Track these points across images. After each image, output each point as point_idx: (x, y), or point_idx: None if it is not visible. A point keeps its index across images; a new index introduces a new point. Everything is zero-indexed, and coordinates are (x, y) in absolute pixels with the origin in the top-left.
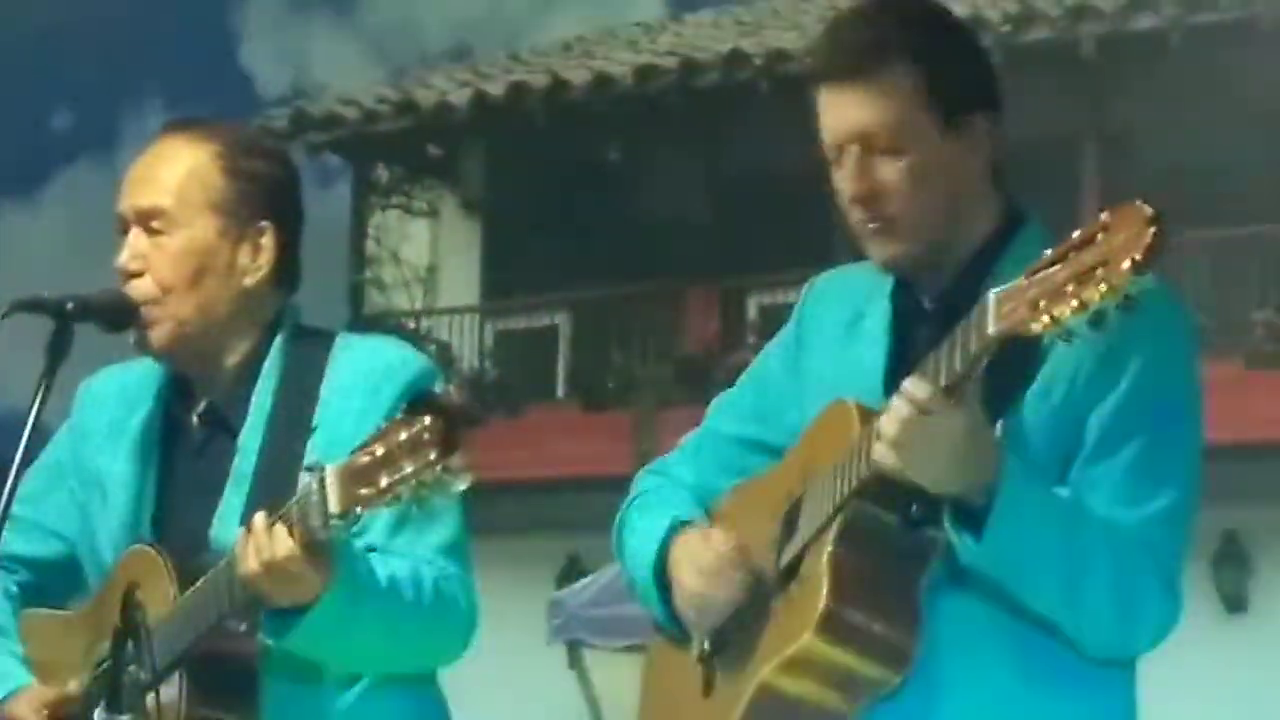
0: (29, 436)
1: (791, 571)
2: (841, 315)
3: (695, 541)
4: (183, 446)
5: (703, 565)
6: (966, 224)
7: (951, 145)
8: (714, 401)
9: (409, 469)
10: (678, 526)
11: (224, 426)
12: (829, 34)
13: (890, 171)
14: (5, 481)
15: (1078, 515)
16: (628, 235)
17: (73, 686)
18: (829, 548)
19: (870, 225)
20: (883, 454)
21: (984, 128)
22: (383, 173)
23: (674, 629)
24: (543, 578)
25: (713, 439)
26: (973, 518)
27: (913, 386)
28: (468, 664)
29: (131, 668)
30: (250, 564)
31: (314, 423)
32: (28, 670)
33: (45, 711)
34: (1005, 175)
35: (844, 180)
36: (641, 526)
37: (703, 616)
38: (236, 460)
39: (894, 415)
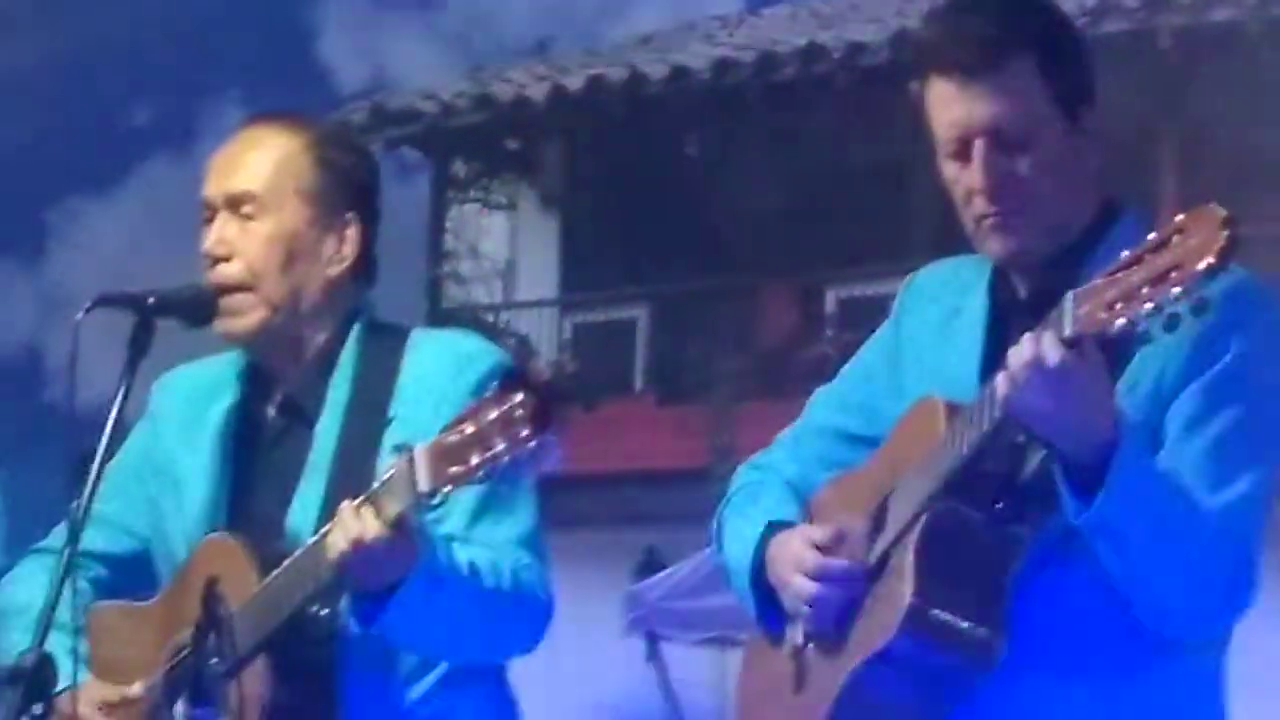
0: (111, 432)
1: (880, 567)
2: (940, 308)
3: (794, 541)
4: (259, 438)
5: (805, 565)
6: (1072, 215)
7: (1072, 138)
8: (815, 394)
9: (500, 446)
10: (773, 528)
11: (301, 417)
12: (947, 25)
13: (1018, 165)
14: (89, 477)
15: (1175, 491)
16: (705, 228)
17: (136, 688)
18: (914, 545)
19: (990, 219)
20: (1005, 390)
21: (1095, 120)
22: (461, 167)
23: (770, 628)
24: (620, 570)
25: (812, 431)
26: (1080, 482)
27: (1034, 339)
28: (545, 656)
29: (214, 660)
30: (339, 545)
31: (391, 413)
32: (85, 667)
33: (101, 709)
34: (1103, 166)
35: (966, 173)
36: (738, 528)
37: (814, 613)
38: (313, 450)
39: (1021, 351)
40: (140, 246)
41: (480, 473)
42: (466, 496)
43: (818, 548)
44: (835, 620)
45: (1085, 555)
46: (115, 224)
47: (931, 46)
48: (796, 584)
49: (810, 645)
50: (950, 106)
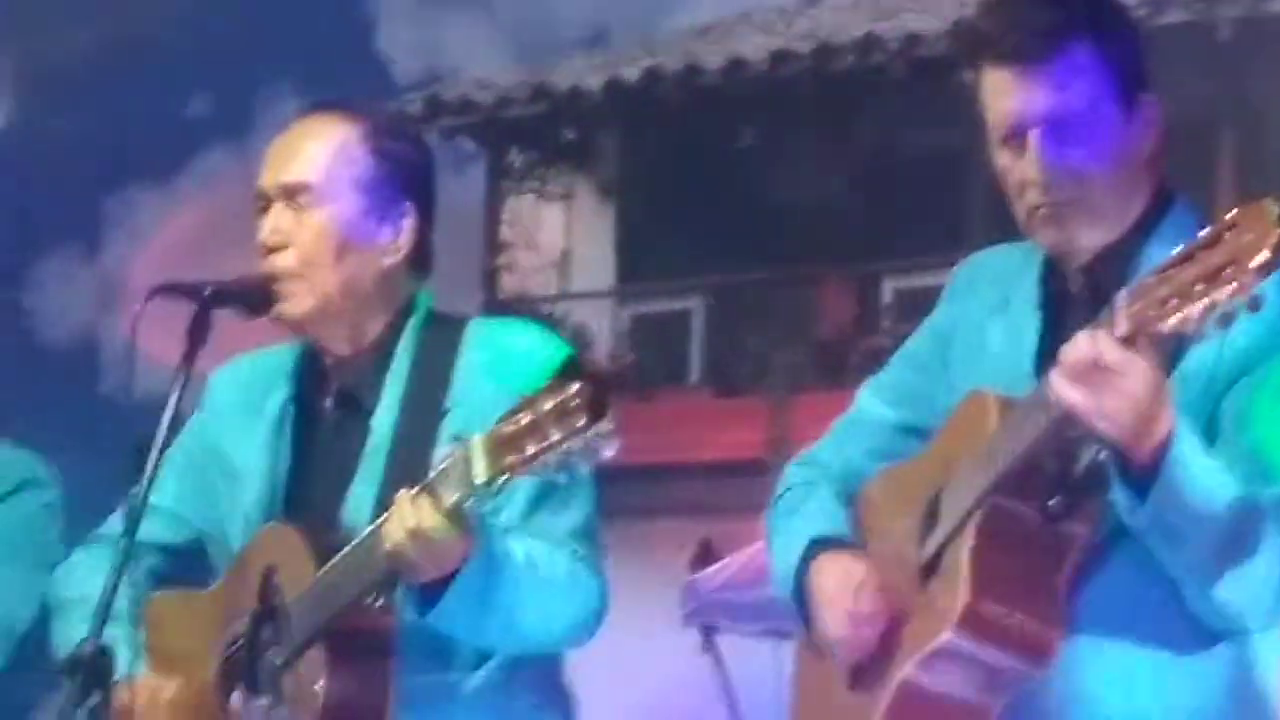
0: (169, 421)
1: (933, 565)
2: (990, 298)
3: (831, 580)
4: (316, 429)
5: (841, 609)
6: (1126, 206)
7: (1127, 128)
8: (863, 384)
9: (556, 436)
10: (817, 546)
11: (357, 408)
12: (1004, 14)
13: (1073, 156)
14: (146, 466)
15: (1229, 486)
16: (762, 219)
17: (193, 685)
18: (969, 543)
19: (1045, 210)
20: (1059, 386)
21: (1150, 110)
22: (517, 157)
23: (817, 639)
24: (676, 562)
25: (861, 422)
26: (1134, 478)
27: (1088, 336)
28: (601, 647)
29: (271, 649)
30: (396, 535)
31: (447, 403)
32: (142, 659)
33: (161, 706)
34: (1160, 157)
35: (1020, 163)
36: (783, 536)
37: (844, 654)
38: (370, 441)
39: (1075, 348)
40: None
41: (537, 463)
42: (523, 487)
43: (854, 589)
44: (869, 654)
45: (1140, 550)
46: (173, 213)
47: (987, 36)
48: (829, 621)
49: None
50: (1005, 96)
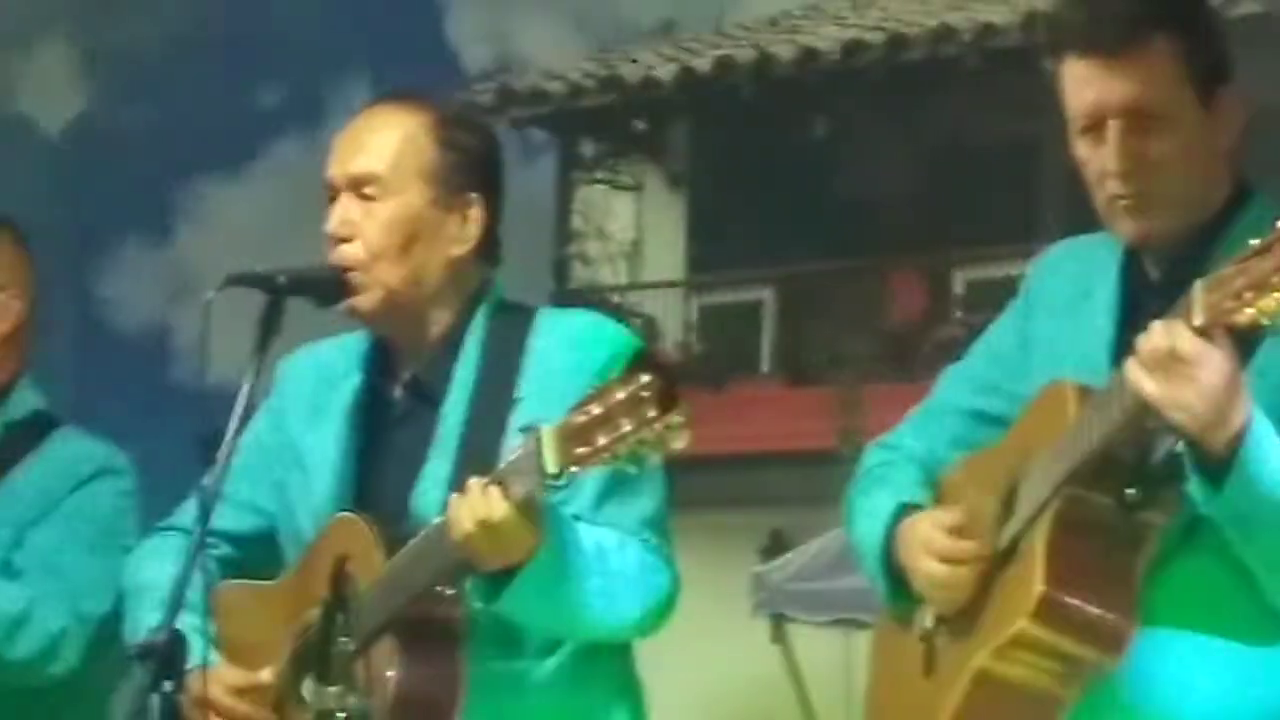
0: (242, 410)
1: (1010, 553)
2: (1070, 287)
3: (924, 525)
4: (385, 418)
5: (934, 548)
6: (1204, 197)
7: (1208, 120)
8: (944, 373)
9: (627, 427)
10: (903, 510)
11: (427, 397)
12: (1086, 4)
13: (1154, 147)
14: (218, 455)
15: None
16: (833, 210)
17: (265, 674)
18: (1045, 532)
19: (1124, 201)
20: (1137, 377)
21: (1230, 101)
22: (588, 147)
23: (900, 611)
24: (746, 552)
25: (941, 410)
26: (1210, 469)
27: (1164, 326)
28: (671, 636)
29: (343, 639)
30: (465, 525)
31: (517, 393)
32: (215, 647)
33: (232, 693)
34: (1238, 148)
35: (1100, 154)
36: (867, 509)
37: (946, 598)
38: (439, 430)
39: (1152, 338)
40: (268, 226)
41: (607, 454)
42: (594, 476)
43: (947, 531)
44: (965, 602)
45: (1216, 541)
46: (244, 203)
47: (1069, 26)
48: (926, 567)
49: (940, 628)
50: (1087, 87)
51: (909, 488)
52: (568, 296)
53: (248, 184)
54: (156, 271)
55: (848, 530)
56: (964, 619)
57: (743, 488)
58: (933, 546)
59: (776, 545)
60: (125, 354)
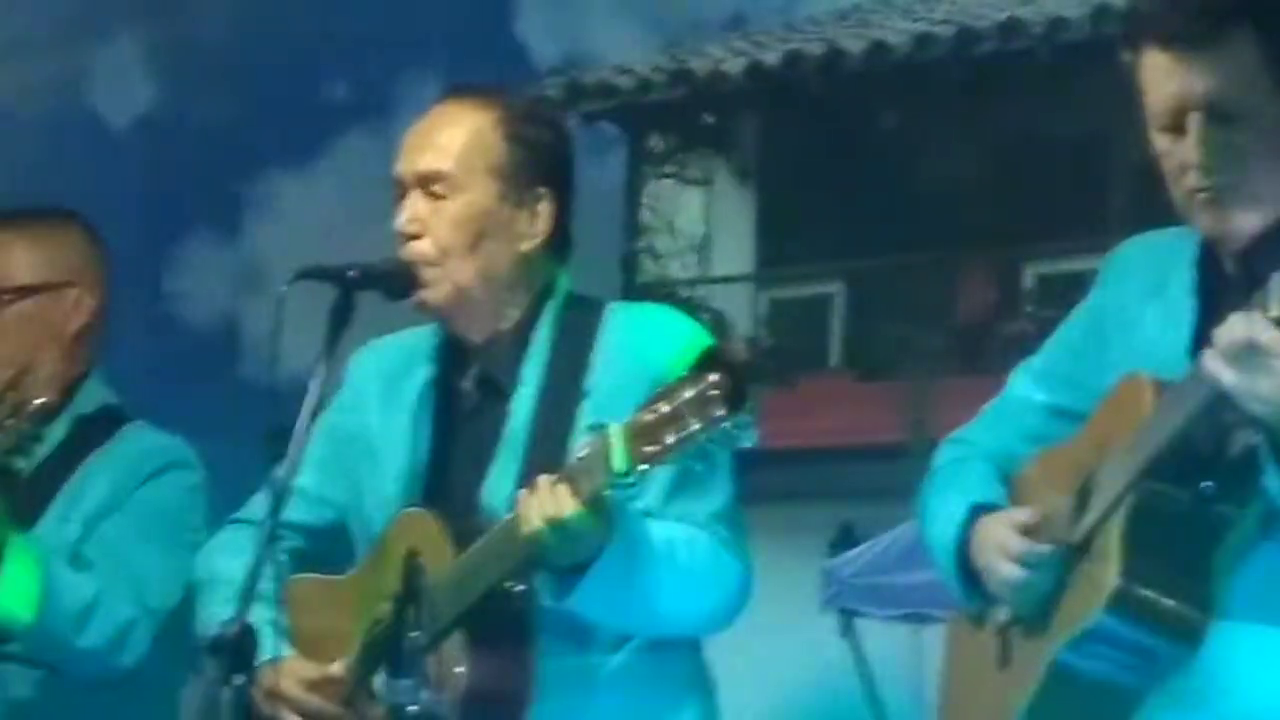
0: (313, 405)
1: (1085, 546)
2: (1145, 282)
3: (999, 527)
4: (455, 412)
5: (1010, 550)
6: None
7: None
8: (1017, 368)
9: (695, 426)
10: (976, 512)
11: (497, 391)
12: None
13: (1234, 139)
14: (288, 449)
15: None
16: (903, 204)
17: (337, 668)
18: (1121, 525)
19: (1204, 194)
20: (1214, 368)
21: None
22: (657, 142)
23: (974, 610)
24: (815, 546)
25: (1015, 406)
26: None
27: (1242, 318)
28: (740, 631)
29: (414, 633)
30: (534, 522)
31: (586, 387)
32: (286, 640)
33: (303, 686)
34: None
35: (1180, 146)
36: (940, 511)
37: (1022, 600)
38: (509, 424)
39: (1230, 329)
40: (336, 220)
41: (675, 452)
42: (665, 470)
43: (1022, 532)
44: (1040, 603)
45: None
46: (312, 198)
47: (1149, 18)
48: (1002, 569)
49: (1015, 621)
50: (1167, 79)
51: (981, 487)
52: (637, 291)
53: (316, 178)
54: (225, 266)
55: (921, 531)
56: (1041, 613)
57: (812, 482)
58: (1008, 549)
59: (846, 540)
60: (194, 348)
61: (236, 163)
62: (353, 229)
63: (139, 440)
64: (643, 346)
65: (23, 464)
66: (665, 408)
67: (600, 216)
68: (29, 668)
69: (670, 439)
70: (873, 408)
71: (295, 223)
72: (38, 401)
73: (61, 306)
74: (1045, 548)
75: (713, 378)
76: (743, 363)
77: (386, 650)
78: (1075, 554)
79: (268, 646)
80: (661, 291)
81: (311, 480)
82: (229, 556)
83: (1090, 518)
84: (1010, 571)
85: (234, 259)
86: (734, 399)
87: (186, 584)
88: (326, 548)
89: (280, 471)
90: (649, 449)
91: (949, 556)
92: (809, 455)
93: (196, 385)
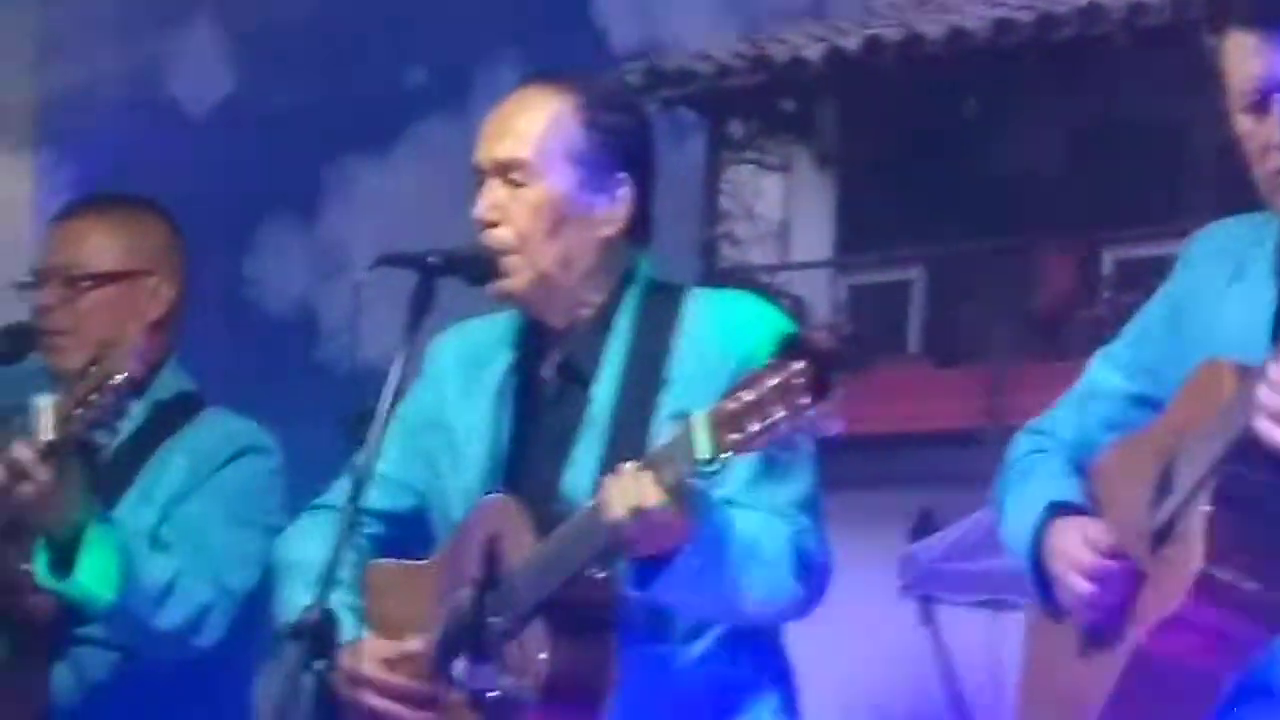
0: (394, 391)
1: (1166, 532)
2: (1223, 268)
3: (1071, 537)
4: (536, 398)
5: (1082, 566)
6: None
7: None
8: (1095, 355)
9: (780, 414)
10: (1053, 510)
11: (578, 378)
12: None
13: None
14: (368, 434)
15: None
16: (982, 190)
17: (414, 644)
18: (1203, 510)
19: None
20: (1267, 430)
21: None
22: (736, 128)
23: (1051, 608)
24: (894, 533)
25: (1094, 393)
26: None
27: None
28: (818, 618)
29: (494, 618)
30: (617, 511)
31: (668, 375)
32: (362, 623)
33: (383, 665)
34: None
35: (1264, 127)
36: (1015, 507)
37: (1087, 616)
38: (590, 411)
39: (1273, 388)
40: (414, 206)
41: (759, 441)
42: (746, 459)
43: (1093, 547)
44: (1111, 615)
45: None
46: (390, 184)
47: None
48: (1072, 583)
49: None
50: (1251, 59)
51: (1058, 482)
52: (716, 277)
53: (394, 164)
54: (304, 252)
55: (998, 525)
56: (1126, 597)
57: (891, 468)
58: (1080, 564)
59: (925, 526)
60: (273, 334)
61: (315, 149)
62: (431, 214)
63: (217, 425)
64: (725, 333)
65: (105, 439)
66: (749, 395)
67: (679, 203)
68: (106, 650)
69: (754, 427)
70: (951, 394)
71: (373, 208)
72: (122, 377)
73: (140, 294)
74: (1114, 564)
75: (797, 366)
76: (827, 350)
77: (466, 636)
78: (1157, 539)
79: (347, 630)
80: (740, 277)
81: (392, 466)
82: (309, 541)
83: (1171, 503)
84: (1078, 585)
85: (313, 245)
86: (818, 387)
87: (263, 567)
88: (406, 534)
89: (360, 457)
90: (733, 437)
91: (1023, 557)
92: (887, 441)
93: (275, 371)
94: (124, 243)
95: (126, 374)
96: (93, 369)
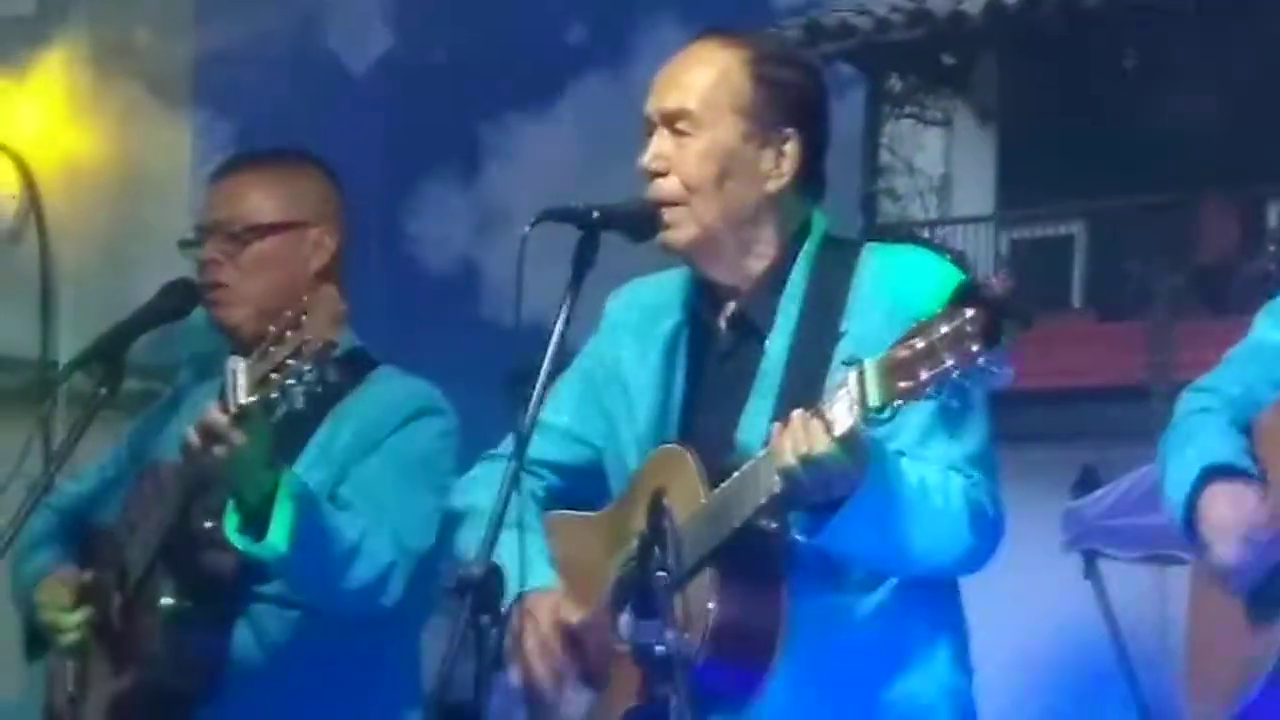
0: (557, 346)
1: None
2: None
3: (1226, 503)
4: (710, 351)
5: (1236, 534)
6: None
7: None
8: (1261, 310)
9: (950, 362)
10: (1207, 476)
11: (752, 331)
12: None
13: None
14: (533, 389)
15: None
16: (1144, 143)
17: (587, 616)
18: None
19: None
20: None
21: None
22: (896, 82)
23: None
24: (1058, 488)
25: (1260, 350)
26: None
27: None
28: (983, 572)
29: (660, 572)
30: (787, 458)
31: (842, 327)
32: (554, 570)
33: (560, 627)
34: None
35: None
36: (1176, 467)
37: (1238, 582)
38: (764, 364)
39: None
40: (574, 163)
41: (930, 388)
42: (919, 412)
43: (1242, 514)
44: (1262, 580)
45: None
46: (550, 141)
47: None
48: (1218, 549)
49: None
50: None
51: (1219, 445)
52: (877, 232)
53: (554, 121)
54: (465, 208)
55: (1160, 486)
56: (1262, 593)
57: (1054, 423)
58: (1229, 532)
59: (1089, 481)
60: (435, 291)
61: (476, 106)
62: (590, 171)
63: (391, 385)
64: (899, 287)
65: (302, 405)
66: (920, 343)
67: (839, 158)
68: (286, 609)
69: (925, 374)
70: (1114, 348)
71: (534, 165)
72: (321, 342)
73: (302, 246)
74: (1265, 533)
75: (969, 313)
76: (999, 298)
77: (633, 589)
78: None
79: (513, 585)
80: (901, 232)
81: (567, 419)
82: (487, 490)
83: None
84: (1225, 553)
85: (473, 201)
86: (990, 336)
87: (438, 527)
88: (581, 485)
89: (528, 411)
90: (904, 384)
91: (1179, 520)
92: (1050, 396)
93: (437, 328)
94: (284, 195)
95: (325, 339)
96: (289, 334)
